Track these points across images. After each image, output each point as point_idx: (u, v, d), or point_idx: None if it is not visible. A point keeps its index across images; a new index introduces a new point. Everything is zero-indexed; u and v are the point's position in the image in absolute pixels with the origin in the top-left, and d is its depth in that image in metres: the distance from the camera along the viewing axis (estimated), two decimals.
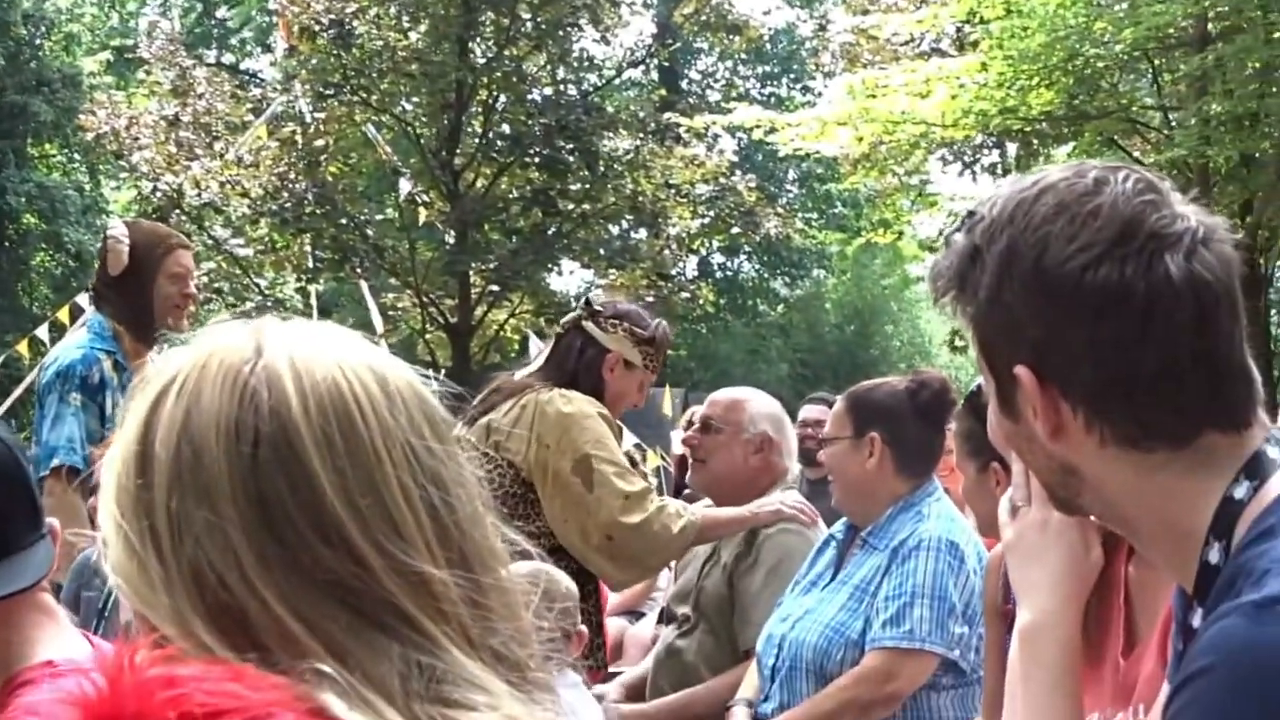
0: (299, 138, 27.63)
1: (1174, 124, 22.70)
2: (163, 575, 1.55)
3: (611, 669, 7.50)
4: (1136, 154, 24.40)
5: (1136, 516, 2.14)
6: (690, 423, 7.22)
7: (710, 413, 6.46)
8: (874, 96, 21.89)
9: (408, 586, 1.57)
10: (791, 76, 50.87)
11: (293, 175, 26.98)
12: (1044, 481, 2.29)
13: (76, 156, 40.05)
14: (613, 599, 8.99)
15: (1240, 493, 2.04)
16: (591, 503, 5.84)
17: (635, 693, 6.45)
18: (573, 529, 5.89)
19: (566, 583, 4.95)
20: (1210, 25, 21.40)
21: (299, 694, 1.47)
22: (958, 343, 28.56)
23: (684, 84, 46.88)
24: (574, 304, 29.94)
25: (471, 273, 28.85)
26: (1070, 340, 2.05)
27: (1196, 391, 2.05)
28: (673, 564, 7.79)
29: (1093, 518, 2.43)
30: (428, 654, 1.56)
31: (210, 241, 27.31)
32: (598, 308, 6.29)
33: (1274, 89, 21.67)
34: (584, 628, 5.02)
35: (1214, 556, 2.04)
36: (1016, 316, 2.09)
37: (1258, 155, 22.17)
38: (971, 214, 2.19)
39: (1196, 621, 2.06)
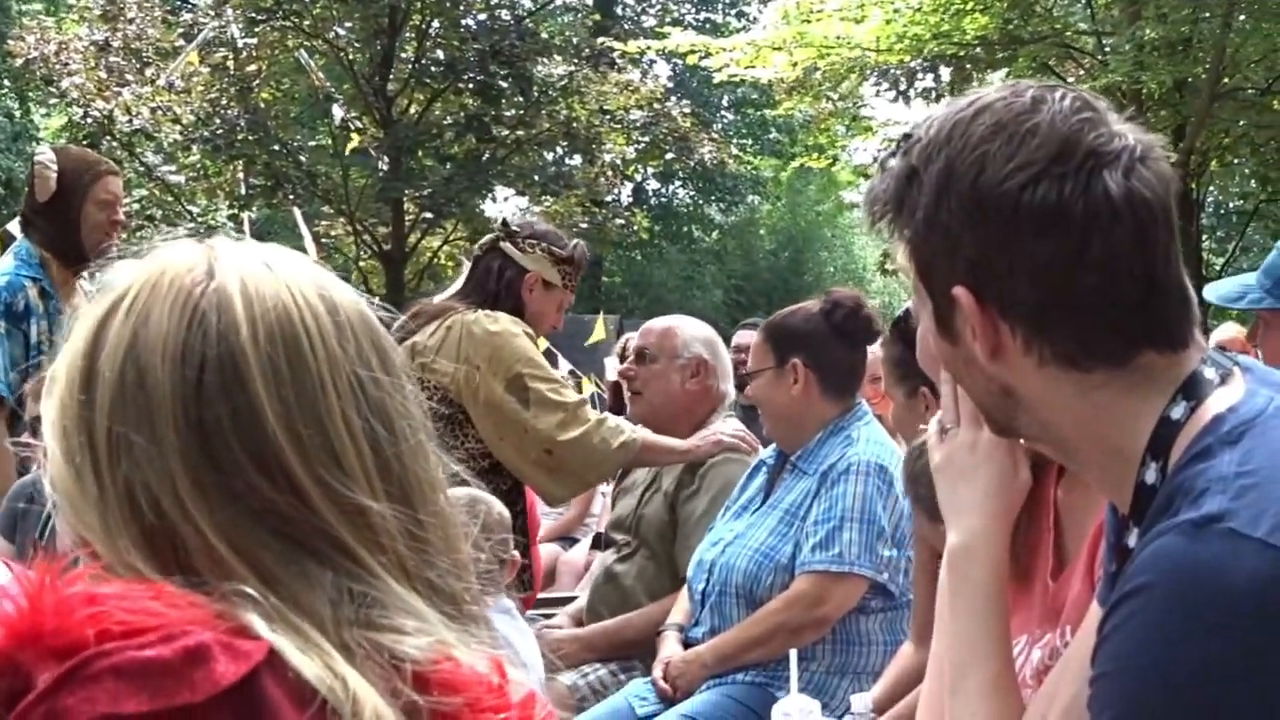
0: (231, 64, 27.44)
1: (1107, 49, 22.74)
2: (97, 493, 1.54)
3: (544, 595, 7.52)
4: (1070, 79, 24.43)
5: (1074, 437, 2.15)
6: (624, 351, 7.22)
7: (644, 342, 6.47)
8: (808, 21, 21.84)
9: (345, 518, 1.56)
10: (727, 2, 50.71)
11: (225, 101, 26.84)
12: (981, 404, 2.29)
13: (5, 83, 39.60)
14: (546, 524, 9.01)
15: (1177, 413, 2.05)
16: (528, 420, 5.87)
17: (581, 622, 6.46)
18: (509, 446, 5.91)
19: (499, 509, 4.94)
20: None
21: (218, 612, 1.46)
22: (889, 266, 28.57)
23: (618, 9, 46.69)
24: None
25: (405, 199, 28.75)
26: (1009, 260, 2.04)
27: (1135, 310, 2.04)
28: (609, 491, 7.80)
29: (1023, 440, 2.43)
30: (361, 583, 1.55)
31: (142, 168, 27.14)
32: (515, 228, 6.29)
33: (1206, 13, 21.71)
34: (516, 554, 5.02)
35: (1150, 476, 2.04)
36: (954, 237, 2.08)
37: (1190, 80, 22.23)
38: (907, 136, 2.18)
39: (1132, 542, 2.07)
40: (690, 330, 6.47)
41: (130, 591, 1.45)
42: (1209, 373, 2.08)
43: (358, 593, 1.54)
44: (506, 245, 6.22)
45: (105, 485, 1.54)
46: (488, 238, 6.40)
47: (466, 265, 6.51)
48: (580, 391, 10.52)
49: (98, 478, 1.55)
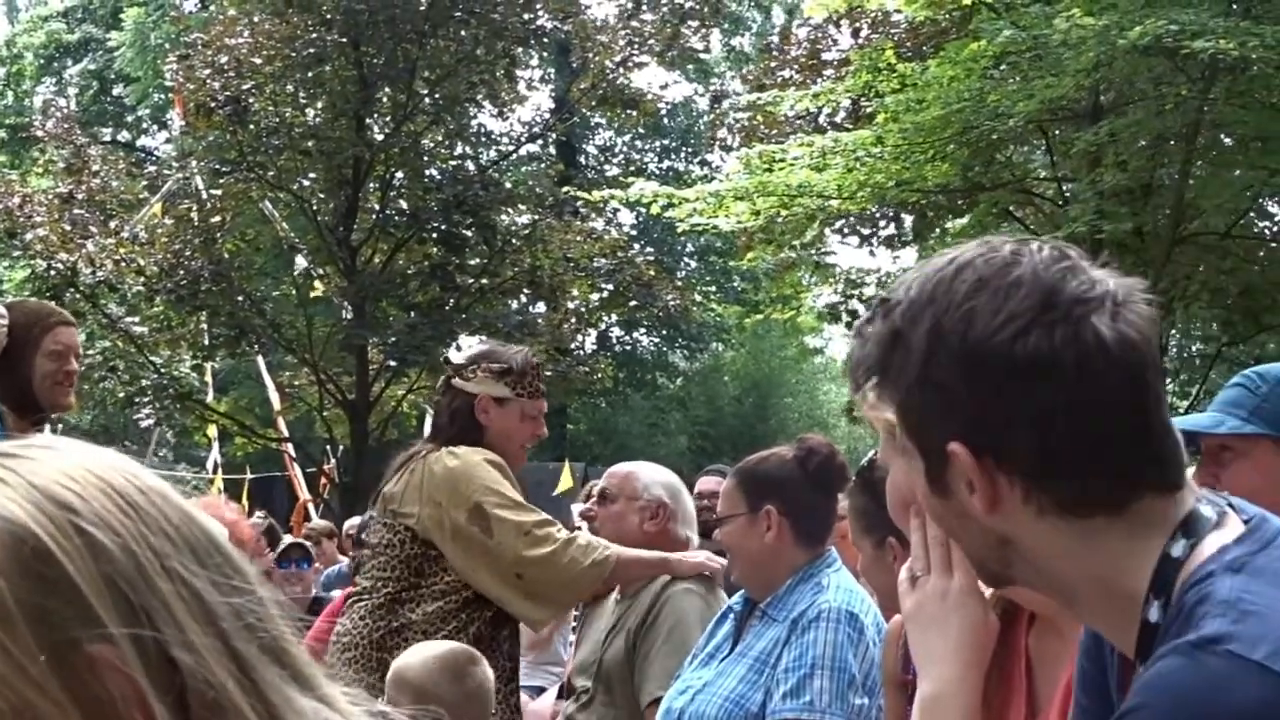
0: (195, 215, 27.49)
1: (1068, 195, 22.93)
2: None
3: None
4: (1031, 224, 24.65)
5: (1075, 583, 2.15)
6: (588, 497, 7.25)
7: (606, 484, 6.55)
8: (770, 170, 21.96)
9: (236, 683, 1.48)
10: (689, 150, 51.10)
11: (188, 253, 26.81)
12: (975, 556, 2.28)
13: None
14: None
15: (1178, 550, 2.06)
16: (494, 547, 5.95)
17: None
18: (484, 576, 6.02)
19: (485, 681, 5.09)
20: (1102, 98, 21.65)
21: None
22: (856, 414, 28.63)
23: (582, 159, 47.10)
24: None
25: (369, 348, 28.78)
26: (1005, 411, 2.06)
27: (1133, 454, 2.06)
28: (572, 637, 7.75)
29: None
30: None
31: (105, 320, 27.10)
32: (460, 362, 6.45)
33: (1166, 161, 21.93)
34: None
35: (1154, 615, 2.05)
36: (948, 394, 2.09)
37: (1150, 227, 22.42)
38: (885, 300, 2.20)
39: None
40: (651, 474, 6.52)
41: None
42: (1206, 511, 2.10)
43: None
44: (456, 380, 6.34)
45: None
46: (441, 380, 6.51)
47: (431, 415, 6.67)
48: None
49: None
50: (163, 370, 28.00)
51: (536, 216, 29.34)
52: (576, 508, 11.03)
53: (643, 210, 27.41)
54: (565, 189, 29.81)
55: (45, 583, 1.42)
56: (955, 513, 2.18)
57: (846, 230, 29.10)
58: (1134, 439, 2.06)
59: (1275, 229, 27.19)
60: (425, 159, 30.41)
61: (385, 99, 29.69)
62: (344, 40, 27.84)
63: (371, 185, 29.74)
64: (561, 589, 6.08)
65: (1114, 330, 2.03)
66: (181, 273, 26.52)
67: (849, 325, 26.95)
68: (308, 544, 11.73)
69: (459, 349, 6.61)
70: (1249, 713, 1.80)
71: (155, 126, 49.03)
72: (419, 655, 5.22)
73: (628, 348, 50.88)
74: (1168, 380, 30.65)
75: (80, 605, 1.42)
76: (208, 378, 27.34)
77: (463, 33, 28.36)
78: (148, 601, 1.44)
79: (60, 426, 8.32)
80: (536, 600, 6.05)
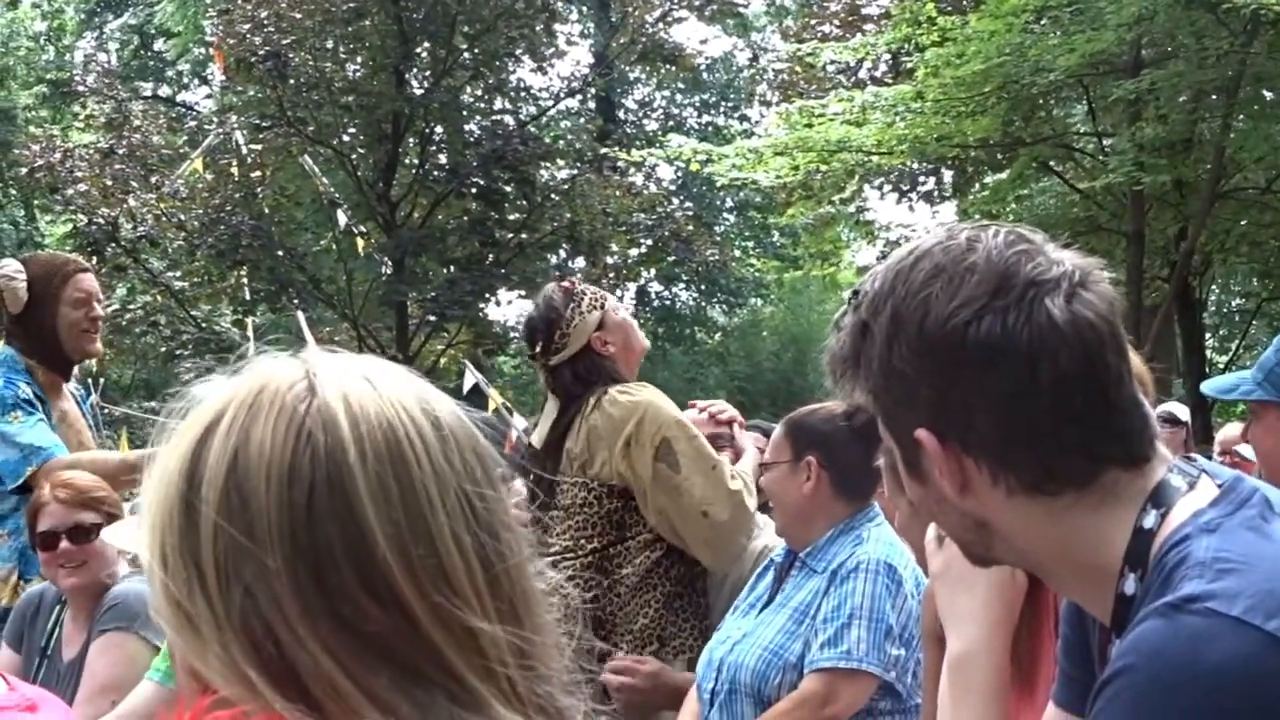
0: (235, 170, 27.52)
1: (1108, 150, 22.82)
2: (213, 624, 1.50)
3: None
4: (1071, 179, 24.55)
5: (1050, 559, 2.19)
6: None
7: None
8: (810, 125, 21.88)
9: (455, 642, 1.53)
10: (729, 105, 50.88)
11: (229, 208, 26.86)
12: (958, 539, 2.33)
13: (11, 190, 39.77)
14: None
15: (1149, 522, 2.10)
16: (682, 483, 5.73)
17: None
18: (674, 515, 5.78)
19: None
20: (1143, 52, 21.54)
21: None
22: None
23: (621, 114, 46.92)
24: (511, 334, 29.53)
25: (409, 303, 28.80)
26: (963, 396, 2.10)
27: (1093, 431, 2.10)
28: None
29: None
30: (475, 711, 1.52)
31: (146, 275, 27.19)
32: (552, 360, 6.06)
33: (1206, 115, 21.82)
34: None
35: (1129, 587, 2.10)
36: (909, 381, 2.14)
37: (1191, 180, 22.34)
38: (856, 293, 2.25)
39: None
40: None
41: None
42: (1176, 480, 2.14)
43: None
44: (556, 360, 6.04)
45: (219, 616, 1.50)
46: (548, 383, 6.16)
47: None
48: None
49: (211, 609, 1.50)
50: (203, 325, 28.09)
51: (575, 171, 29.32)
52: None
53: (682, 165, 27.40)
54: (604, 151, 29.74)
55: (247, 510, 1.51)
56: (934, 498, 2.23)
57: (886, 186, 29.01)
58: (1093, 417, 2.09)
59: None
60: (464, 114, 30.43)
61: (425, 54, 29.68)
62: None
63: (411, 140, 29.77)
64: (736, 532, 5.89)
65: (1068, 312, 2.07)
66: (222, 228, 26.58)
67: None
68: None
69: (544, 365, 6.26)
70: (1230, 667, 1.85)
71: (196, 81, 48.92)
72: None
73: (667, 302, 50.74)
74: (1207, 335, 30.56)
75: (246, 545, 1.50)
76: (249, 332, 27.36)
77: None
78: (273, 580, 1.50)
79: (102, 382, 8.37)
80: (712, 547, 5.84)
